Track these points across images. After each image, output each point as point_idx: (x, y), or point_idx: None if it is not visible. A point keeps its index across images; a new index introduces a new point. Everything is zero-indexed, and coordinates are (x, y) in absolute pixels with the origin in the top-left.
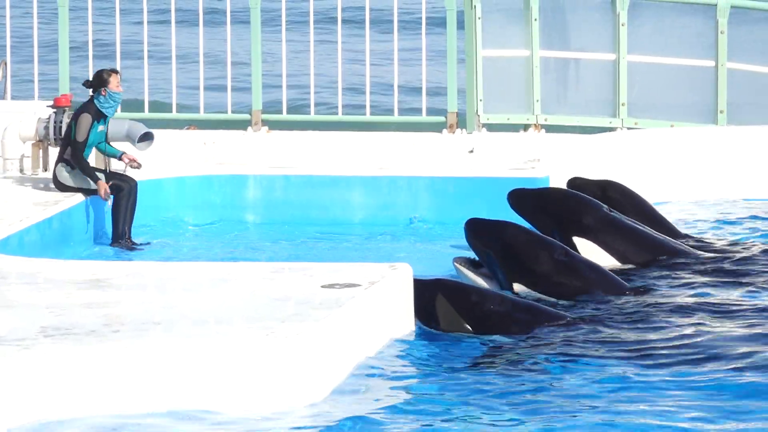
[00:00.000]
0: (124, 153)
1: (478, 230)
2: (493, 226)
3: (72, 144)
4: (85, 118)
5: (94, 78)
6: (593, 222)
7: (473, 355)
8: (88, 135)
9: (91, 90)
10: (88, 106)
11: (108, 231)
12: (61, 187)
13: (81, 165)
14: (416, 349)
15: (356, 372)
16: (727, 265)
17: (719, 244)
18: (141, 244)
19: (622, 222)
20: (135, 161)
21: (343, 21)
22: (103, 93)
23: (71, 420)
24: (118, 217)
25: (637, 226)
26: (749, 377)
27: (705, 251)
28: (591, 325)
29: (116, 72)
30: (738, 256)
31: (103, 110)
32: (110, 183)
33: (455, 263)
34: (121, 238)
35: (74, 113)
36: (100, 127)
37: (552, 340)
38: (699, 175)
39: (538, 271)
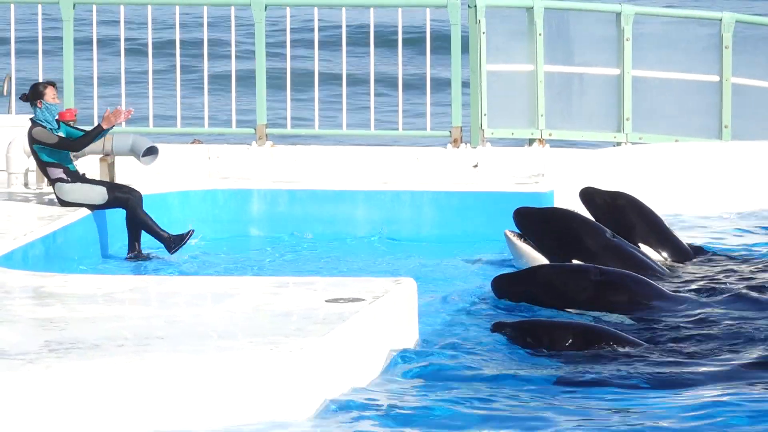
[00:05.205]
0: (101, 121)
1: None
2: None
3: (58, 145)
4: (41, 130)
5: (30, 91)
6: (595, 247)
7: (479, 370)
8: (56, 135)
9: (29, 103)
10: (35, 122)
11: (110, 245)
12: (63, 203)
13: (81, 146)
14: (420, 364)
15: (360, 387)
16: (739, 285)
17: (727, 260)
18: (147, 258)
19: (623, 249)
20: (117, 114)
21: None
22: (39, 105)
23: None
24: (136, 227)
25: (638, 254)
26: None
27: (714, 267)
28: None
29: (53, 84)
30: (748, 272)
31: (40, 122)
32: (114, 195)
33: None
34: (133, 249)
35: (28, 136)
36: (60, 133)
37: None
38: (703, 190)
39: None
